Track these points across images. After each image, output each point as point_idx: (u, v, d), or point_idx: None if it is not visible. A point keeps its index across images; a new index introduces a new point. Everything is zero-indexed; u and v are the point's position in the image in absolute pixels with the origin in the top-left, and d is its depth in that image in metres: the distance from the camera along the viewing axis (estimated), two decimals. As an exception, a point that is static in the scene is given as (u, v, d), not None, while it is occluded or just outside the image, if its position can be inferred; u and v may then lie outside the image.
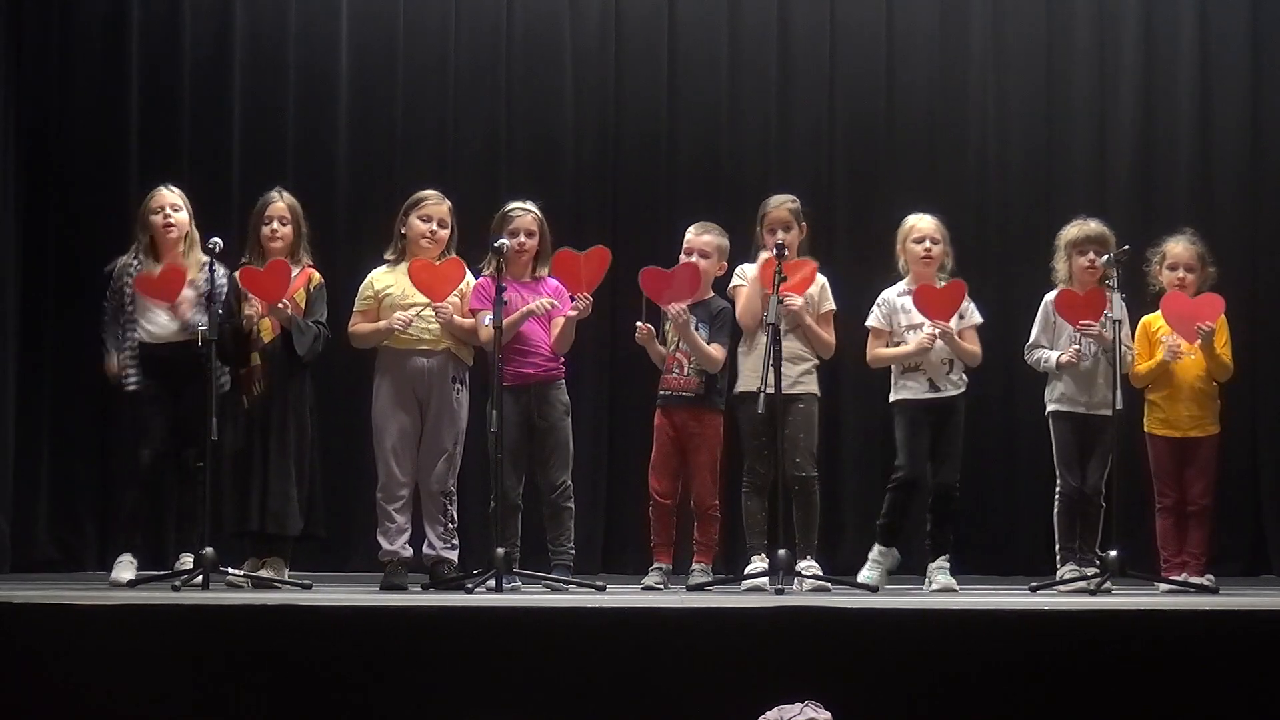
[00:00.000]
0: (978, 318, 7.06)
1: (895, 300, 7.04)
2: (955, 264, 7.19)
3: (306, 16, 8.66)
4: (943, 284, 7.02)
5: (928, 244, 7.03)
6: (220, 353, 6.67)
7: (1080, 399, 7.03)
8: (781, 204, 7.05)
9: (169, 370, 6.93)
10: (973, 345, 7.01)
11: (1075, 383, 7.04)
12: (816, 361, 6.99)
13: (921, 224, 7.08)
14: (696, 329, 6.86)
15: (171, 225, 7.01)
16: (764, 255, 6.82)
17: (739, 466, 7.07)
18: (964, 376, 7.02)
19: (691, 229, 7.04)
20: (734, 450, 7.18)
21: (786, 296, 6.67)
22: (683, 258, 6.97)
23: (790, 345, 6.79)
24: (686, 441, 6.89)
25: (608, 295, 7.23)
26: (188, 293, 6.89)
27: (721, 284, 7.10)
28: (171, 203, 7.06)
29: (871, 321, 7.06)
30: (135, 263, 7.03)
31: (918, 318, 6.96)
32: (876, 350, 7.05)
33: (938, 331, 6.87)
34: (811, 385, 6.95)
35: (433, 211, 6.90)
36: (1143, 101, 8.62)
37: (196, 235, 7.04)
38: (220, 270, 6.83)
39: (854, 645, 4.72)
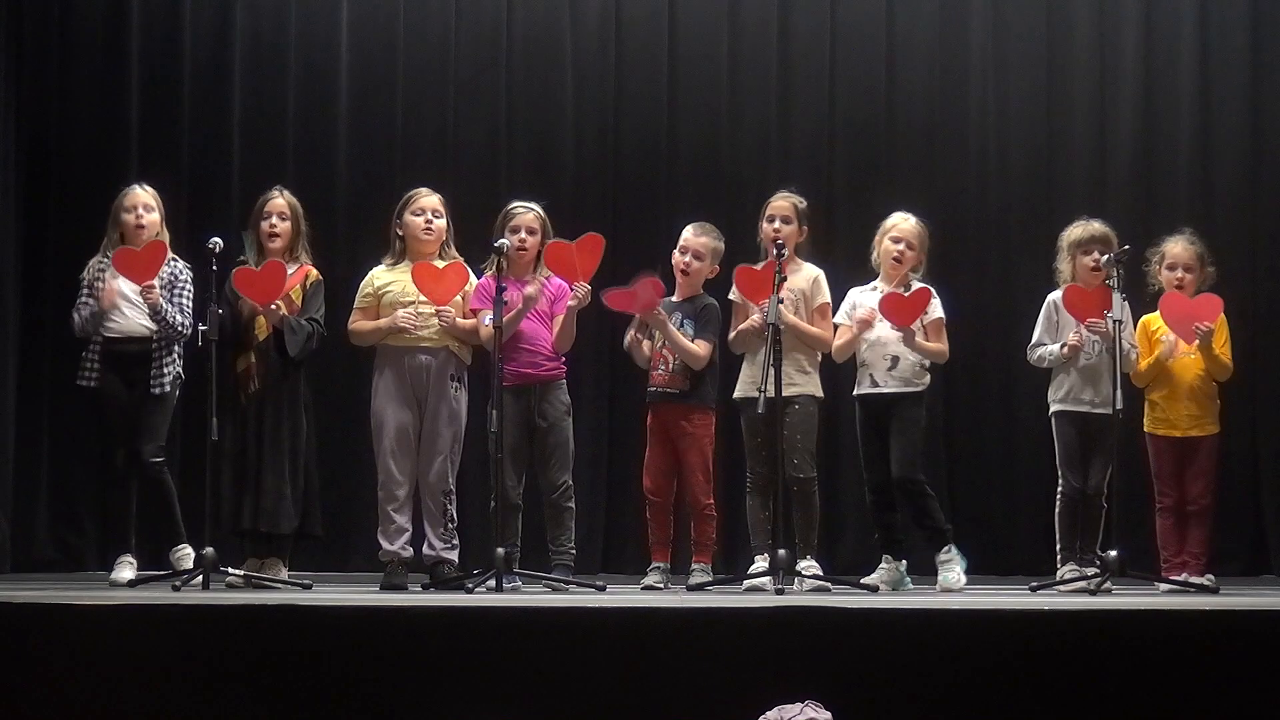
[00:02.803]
0: (938, 313, 6.98)
1: (855, 297, 7.05)
2: (954, 264, 7.19)
3: (306, 16, 8.66)
4: (914, 278, 7.01)
5: (900, 247, 7.02)
6: (222, 340, 6.65)
7: (1084, 397, 7.02)
8: (785, 196, 7.05)
9: (125, 366, 6.99)
10: (936, 343, 6.98)
11: (1080, 381, 7.03)
12: (816, 359, 6.98)
13: (904, 226, 7.06)
14: (681, 326, 6.86)
15: (143, 227, 7.05)
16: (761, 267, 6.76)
17: (741, 466, 7.07)
18: (923, 376, 6.97)
19: (690, 229, 7.03)
20: (735, 450, 7.19)
21: (761, 304, 6.68)
22: (677, 255, 6.96)
23: (790, 347, 6.80)
24: (678, 440, 6.87)
25: (607, 295, 7.24)
26: (164, 272, 6.95)
27: (715, 286, 7.10)
28: (144, 203, 7.09)
29: (836, 318, 7.05)
30: (105, 261, 7.05)
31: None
32: (834, 342, 7.04)
33: (861, 317, 6.87)
34: (808, 386, 6.93)
35: (424, 204, 6.92)
36: (1143, 101, 8.62)
37: (166, 235, 7.09)
38: (181, 265, 7.00)
39: (854, 645, 4.71)
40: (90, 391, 7.05)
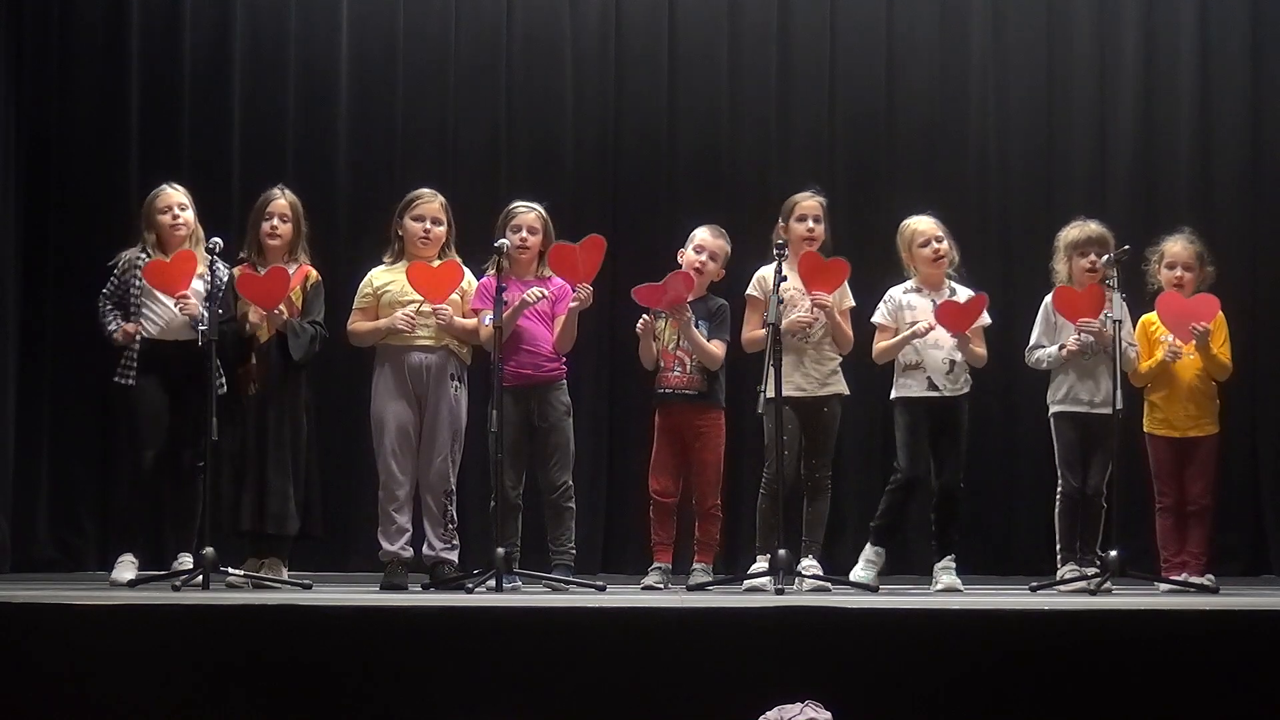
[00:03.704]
0: (985, 320, 7.05)
1: (901, 297, 7.06)
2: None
3: (306, 16, 8.66)
4: (952, 281, 7.05)
5: (933, 244, 7.04)
6: (220, 352, 6.65)
7: (1084, 397, 7.02)
8: (812, 195, 7.07)
9: (168, 369, 6.91)
10: (979, 347, 7.02)
11: (1080, 381, 7.03)
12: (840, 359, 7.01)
13: (922, 225, 7.09)
14: (696, 326, 6.86)
15: (180, 225, 7.02)
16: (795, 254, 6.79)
17: (741, 466, 7.06)
18: (968, 379, 7.02)
19: (705, 230, 7.03)
20: (734, 450, 7.18)
21: (816, 296, 6.74)
22: (692, 254, 6.96)
23: (821, 346, 6.84)
24: (691, 440, 6.88)
25: (607, 294, 7.22)
26: (197, 285, 6.86)
27: (720, 287, 7.11)
28: (179, 202, 7.05)
29: (877, 318, 7.07)
30: (143, 257, 7.00)
31: (921, 315, 6.97)
32: (878, 343, 7.06)
33: (921, 331, 6.89)
34: (841, 386, 6.97)
35: (425, 210, 6.91)
36: (1143, 101, 8.62)
37: (201, 233, 7.04)
38: (221, 267, 6.85)
39: (854, 645, 4.72)
40: (124, 390, 6.98)
